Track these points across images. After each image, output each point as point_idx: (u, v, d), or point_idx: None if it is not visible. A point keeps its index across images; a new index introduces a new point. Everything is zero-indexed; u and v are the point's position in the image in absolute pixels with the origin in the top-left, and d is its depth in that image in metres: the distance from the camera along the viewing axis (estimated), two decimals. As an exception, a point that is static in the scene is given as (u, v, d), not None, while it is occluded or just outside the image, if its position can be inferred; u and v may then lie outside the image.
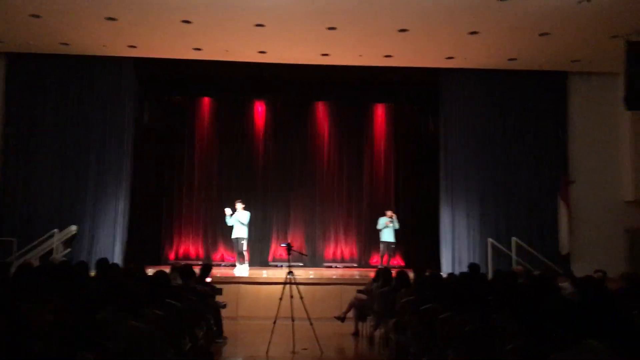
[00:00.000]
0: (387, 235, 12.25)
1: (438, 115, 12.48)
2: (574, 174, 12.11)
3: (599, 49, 10.70)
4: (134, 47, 11.06)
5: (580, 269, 9.58)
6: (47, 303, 3.60)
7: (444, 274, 9.21)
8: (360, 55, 11.25)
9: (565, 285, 7.19)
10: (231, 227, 11.86)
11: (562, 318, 3.15)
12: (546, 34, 9.98)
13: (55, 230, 11.03)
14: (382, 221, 12.35)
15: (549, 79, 12.14)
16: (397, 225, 12.33)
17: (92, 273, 7.15)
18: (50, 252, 10.80)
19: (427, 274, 6.84)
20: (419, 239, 13.57)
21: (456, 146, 12.03)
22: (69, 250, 11.23)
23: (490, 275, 9.75)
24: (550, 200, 11.97)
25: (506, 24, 9.60)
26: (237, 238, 11.62)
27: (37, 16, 9.60)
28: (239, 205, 11.70)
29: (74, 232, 11.30)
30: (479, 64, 11.69)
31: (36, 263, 8.91)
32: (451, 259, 11.79)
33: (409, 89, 13.35)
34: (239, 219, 11.55)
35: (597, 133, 12.25)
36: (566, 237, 11.70)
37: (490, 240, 11.61)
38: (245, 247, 11.68)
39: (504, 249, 11.59)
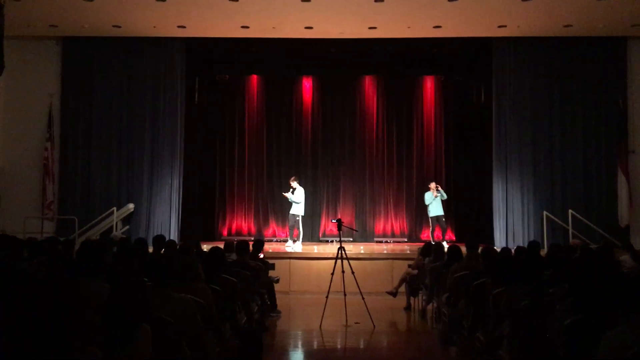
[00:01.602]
0: (435, 209, 12.04)
1: (490, 86, 12.18)
2: (634, 143, 11.64)
3: (661, 11, 10.17)
4: (183, 27, 11.21)
5: (640, 242, 9.31)
6: (107, 277, 3.75)
7: (497, 249, 9.09)
8: (408, 27, 11.05)
9: (625, 258, 7.00)
10: (290, 204, 11.95)
11: (621, 293, 3.07)
12: (604, -3, 9.56)
13: (114, 208, 11.42)
14: (429, 195, 12.14)
15: (607, 45, 11.63)
16: (444, 195, 12.08)
17: (150, 249, 7.37)
18: (110, 229, 11.20)
19: (480, 248, 6.76)
20: (471, 213, 13.39)
21: (509, 117, 11.73)
22: (127, 227, 11.62)
23: (546, 249, 9.56)
24: (608, 171, 11.58)
25: (561, -11, 9.23)
26: (293, 214, 11.74)
27: (90, 0, 9.83)
28: (294, 183, 11.78)
29: (131, 210, 11.67)
30: (532, 31, 11.30)
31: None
32: (505, 233, 11.59)
33: (459, 61, 13.08)
34: (294, 198, 11.66)
35: (658, 100, 11.71)
36: (625, 209, 11.30)
37: (545, 213, 11.34)
38: (300, 224, 11.77)
39: (560, 221, 11.31)
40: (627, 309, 2.95)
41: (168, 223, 11.68)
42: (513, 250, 6.93)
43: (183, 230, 11.89)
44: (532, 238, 10.87)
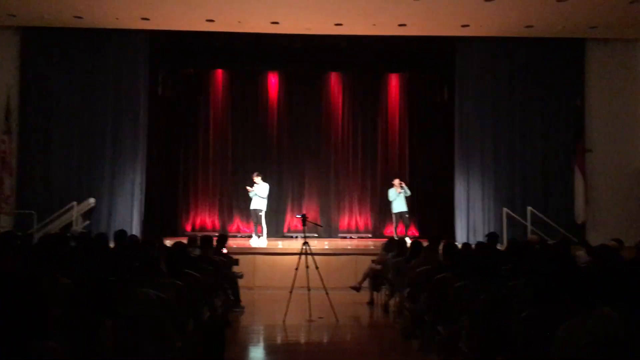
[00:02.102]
0: (399, 205, 12.14)
1: (453, 84, 12.37)
2: (591, 142, 11.98)
3: (617, 14, 10.47)
4: (147, 19, 11.03)
5: (595, 238, 9.59)
6: (67, 272, 3.69)
7: (458, 244, 9.25)
8: (374, 25, 11.12)
9: (581, 253, 7.19)
10: (250, 199, 11.87)
11: (576, 287, 3.17)
12: (564, 0, 9.78)
13: (74, 203, 11.19)
14: (393, 192, 12.24)
15: (566, 46, 11.92)
16: (408, 192, 12.18)
17: (111, 245, 7.26)
18: (70, 224, 10.98)
19: (441, 243, 6.86)
20: (433, 209, 13.59)
21: (471, 115, 11.93)
22: (87, 222, 11.40)
23: (505, 245, 9.76)
24: (566, 169, 11.88)
25: (523, -9, 9.42)
26: (254, 210, 11.66)
27: (50, -11, 9.60)
28: (257, 178, 11.71)
29: (92, 205, 11.46)
30: (494, 31, 11.50)
31: (56, 235, 9.07)
32: (466, 229, 11.80)
33: (423, 59, 13.20)
34: (257, 192, 11.59)
35: (614, 101, 12.06)
36: (582, 206, 11.63)
37: (505, 209, 11.58)
38: (263, 219, 11.72)
39: (519, 218, 11.56)
40: (581, 302, 3.05)
41: (130, 218, 11.50)
42: (473, 246, 7.05)
43: (145, 226, 11.73)
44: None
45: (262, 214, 11.67)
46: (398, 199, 12.13)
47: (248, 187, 11.76)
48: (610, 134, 11.99)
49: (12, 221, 11.22)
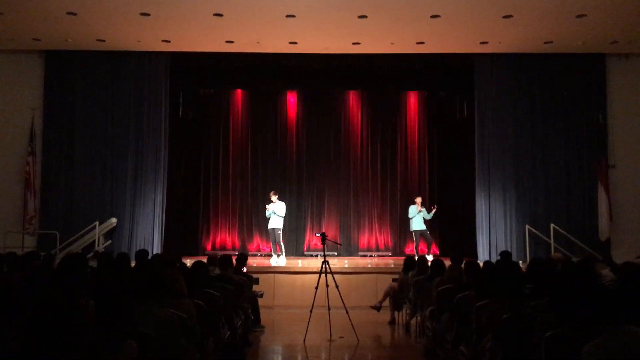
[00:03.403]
0: (418, 223, 12.07)
1: (472, 101, 12.33)
2: (614, 158, 11.84)
3: (638, 29, 10.40)
4: (168, 41, 11.22)
5: (620, 256, 9.43)
6: (88, 292, 3.72)
7: (480, 262, 9.15)
8: (392, 43, 11.17)
9: (606, 272, 7.06)
10: (269, 218, 11.89)
11: (601, 305, 3.11)
12: (583, 15, 9.74)
13: (96, 222, 11.32)
14: (413, 209, 12.17)
15: (586, 61, 11.85)
16: (427, 215, 12.10)
17: (132, 264, 7.31)
18: (92, 244, 11.09)
19: (463, 262, 6.80)
20: (454, 227, 13.47)
21: (491, 132, 11.87)
22: (109, 242, 11.52)
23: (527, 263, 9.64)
24: (589, 186, 11.74)
25: (541, 7, 9.40)
26: (273, 229, 11.67)
27: (74, 13, 9.81)
28: (274, 197, 11.74)
29: (114, 225, 11.58)
30: (513, 48, 11.48)
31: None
32: (488, 247, 11.68)
33: (441, 76, 13.21)
34: (274, 211, 11.61)
35: (637, 116, 11.92)
36: (606, 223, 11.45)
37: (528, 227, 11.46)
38: (281, 238, 11.72)
39: (542, 235, 11.42)
40: (606, 321, 3.00)
41: (151, 238, 11.60)
42: (495, 263, 6.97)
43: (166, 245, 11.81)
44: (514, 252, 10.98)
45: (280, 232, 11.67)
46: (418, 216, 12.06)
47: (267, 206, 11.77)
48: (633, 149, 11.85)
49: (35, 241, 11.40)
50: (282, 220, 11.68)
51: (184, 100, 13.69)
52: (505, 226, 11.71)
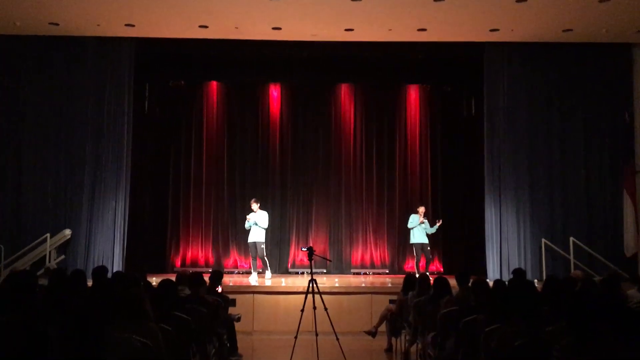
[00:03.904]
0: (420, 235, 12.10)
1: (481, 96, 12.39)
2: (642, 163, 11.97)
3: (669, 16, 10.54)
4: (132, 25, 11.19)
5: (649, 274, 9.50)
6: (37, 315, 3.69)
7: (490, 281, 9.17)
8: (389, 30, 11.21)
9: (633, 292, 7.12)
10: (249, 230, 11.85)
11: (627, 332, 3.14)
12: (606, 0, 9.85)
13: (47, 235, 11.22)
14: (414, 219, 12.19)
15: (610, 52, 11.96)
16: (430, 229, 12.15)
17: (89, 283, 7.26)
18: (43, 260, 11.00)
19: (470, 280, 6.82)
20: (460, 241, 13.53)
21: (502, 133, 11.93)
22: (62, 257, 11.42)
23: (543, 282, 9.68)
24: (613, 194, 11.83)
25: (559, -10, 9.50)
26: (254, 242, 11.62)
27: (23, -7, 9.77)
28: (255, 206, 11.72)
29: (68, 237, 11.49)
30: (528, 36, 11.57)
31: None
32: (499, 263, 11.72)
33: (446, 68, 13.29)
34: (256, 222, 11.58)
35: (668, 114, 12.06)
36: (632, 236, 11.54)
37: (544, 240, 11.52)
38: (265, 253, 11.67)
39: (560, 250, 11.49)
40: (633, 349, 3.02)
41: (111, 252, 11.52)
42: (507, 282, 7.00)
43: (129, 261, 11.72)
44: (529, 269, 11.04)
45: (263, 246, 11.65)
46: (419, 228, 12.08)
47: (248, 217, 11.74)
48: (664, 153, 11.96)
49: (-24, 256, 11.28)
50: (264, 232, 11.66)
51: (151, 94, 13.65)
52: (519, 240, 11.76)
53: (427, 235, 12.16)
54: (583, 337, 3.41)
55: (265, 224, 11.64)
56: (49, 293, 5.35)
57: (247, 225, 11.71)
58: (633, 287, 7.32)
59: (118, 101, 11.81)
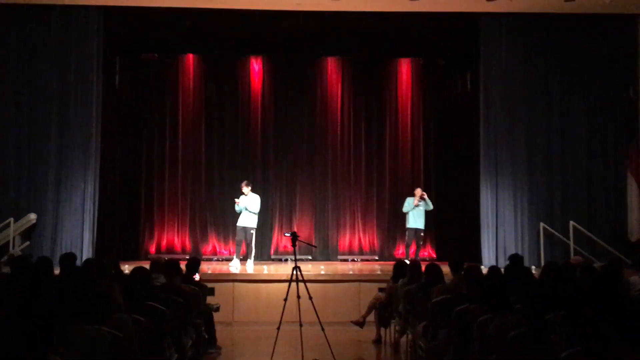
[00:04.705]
0: (415, 220, 12.15)
1: (477, 71, 12.39)
2: (647, 142, 12.04)
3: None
4: (101, -7, 11.06)
5: (653, 260, 9.61)
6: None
7: (484, 268, 9.25)
8: (379, -1, 11.17)
9: (636, 279, 7.20)
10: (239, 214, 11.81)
11: (629, 320, 3.17)
12: (611, -32, 9.86)
13: (11, 219, 11.14)
14: (409, 202, 12.28)
15: (614, 24, 11.98)
16: (430, 205, 12.24)
17: (56, 271, 7.24)
18: (6, 246, 10.93)
19: (464, 267, 6.87)
20: (454, 226, 13.59)
21: (499, 110, 11.94)
22: (27, 243, 11.35)
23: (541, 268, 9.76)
24: (616, 176, 11.91)
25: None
26: (244, 227, 11.60)
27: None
28: (246, 189, 11.68)
29: (33, 222, 11.41)
30: (527, 6, 11.55)
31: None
32: (494, 249, 11.79)
33: (440, 41, 13.26)
34: (246, 207, 11.56)
35: (675, 91, 12.13)
36: (636, 220, 11.65)
37: (542, 225, 11.60)
38: (254, 239, 11.65)
39: (559, 235, 11.58)
40: (635, 339, 3.05)
41: (80, 238, 11.46)
42: (503, 270, 7.06)
43: (99, 248, 11.68)
44: (526, 255, 11.10)
45: (254, 232, 11.63)
46: (414, 212, 12.14)
47: (236, 200, 11.71)
48: (670, 132, 12.05)
49: None
50: (256, 217, 11.64)
51: (122, 67, 13.53)
52: (516, 224, 11.83)
53: (425, 219, 12.21)
54: (582, 326, 3.44)
55: (256, 209, 11.62)
56: (10, 282, 5.32)
57: (237, 209, 11.69)
58: (636, 273, 7.41)
59: (85, 75, 11.66)
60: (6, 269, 7.32)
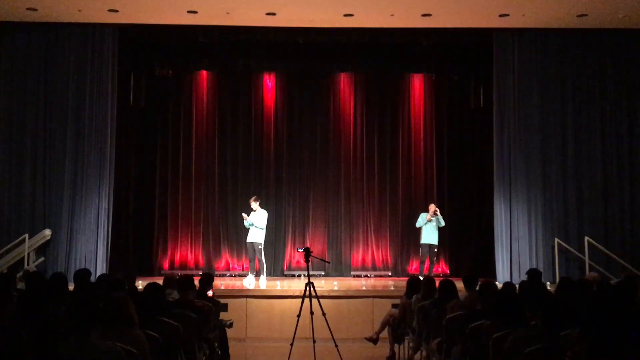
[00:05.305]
0: (429, 235, 12.15)
1: (490, 86, 12.40)
2: (664, 156, 11.97)
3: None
4: (115, 11, 11.17)
5: (670, 276, 9.51)
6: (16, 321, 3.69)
7: (499, 284, 9.18)
8: (391, 15, 11.21)
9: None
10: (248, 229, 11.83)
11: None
12: (624, -18, 9.87)
13: (26, 235, 11.21)
14: (424, 217, 12.26)
15: (628, 38, 11.96)
16: (442, 222, 12.22)
17: (71, 287, 7.26)
18: (21, 262, 10.98)
19: (478, 283, 6.84)
20: (468, 241, 13.55)
21: (513, 124, 11.92)
22: (42, 259, 11.42)
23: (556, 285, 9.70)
24: (632, 190, 11.83)
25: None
26: (252, 242, 11.65)
27: (-1, -24, 9.76)
28: (254, 204, 11.71)
29: (48, 238, 11.47)
30: (540, 22, 11.57)
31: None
32: (509, 265, 11.73)
33: (453, 56, 13.27)
34: (253, 222, 11.59)
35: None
36: (654, 235, 11.59)
37: (557, 240, 11.54)
38: (262, 254, 11.65)
39: (574, 251, 11.51)
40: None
41: (94, 254, 11.52)
42: (517, 286, 7.02)
43: (113, 263, 11.74)
44: (541, 270, 10.99)
45: (261, 247, 11.65)
46: (427, 228, 12.13)
47: (244, 215, 11.75)
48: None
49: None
50: (262, 232, 11.67)
51: (136, 84, 13.61)
52: (530, 239, 11.77)
53: (439, 233, 12.19)
54: (598, 343, 3.41)
55: (263, 225, 11.64)
56: (25, 298, 5.34)
57: (246, 224, 11.73)
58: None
59: (100, 92, 11.79)
60: (21, 285, 7.34)
